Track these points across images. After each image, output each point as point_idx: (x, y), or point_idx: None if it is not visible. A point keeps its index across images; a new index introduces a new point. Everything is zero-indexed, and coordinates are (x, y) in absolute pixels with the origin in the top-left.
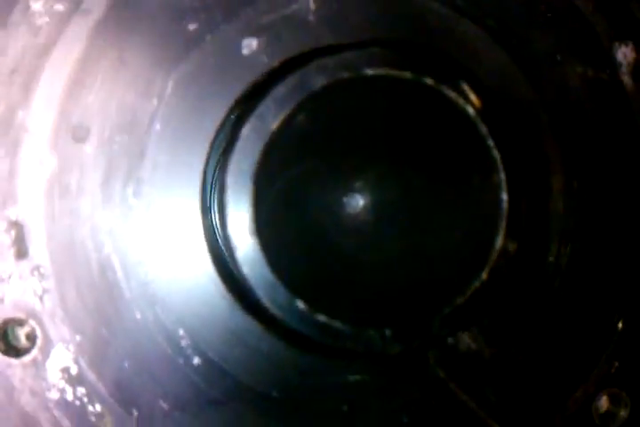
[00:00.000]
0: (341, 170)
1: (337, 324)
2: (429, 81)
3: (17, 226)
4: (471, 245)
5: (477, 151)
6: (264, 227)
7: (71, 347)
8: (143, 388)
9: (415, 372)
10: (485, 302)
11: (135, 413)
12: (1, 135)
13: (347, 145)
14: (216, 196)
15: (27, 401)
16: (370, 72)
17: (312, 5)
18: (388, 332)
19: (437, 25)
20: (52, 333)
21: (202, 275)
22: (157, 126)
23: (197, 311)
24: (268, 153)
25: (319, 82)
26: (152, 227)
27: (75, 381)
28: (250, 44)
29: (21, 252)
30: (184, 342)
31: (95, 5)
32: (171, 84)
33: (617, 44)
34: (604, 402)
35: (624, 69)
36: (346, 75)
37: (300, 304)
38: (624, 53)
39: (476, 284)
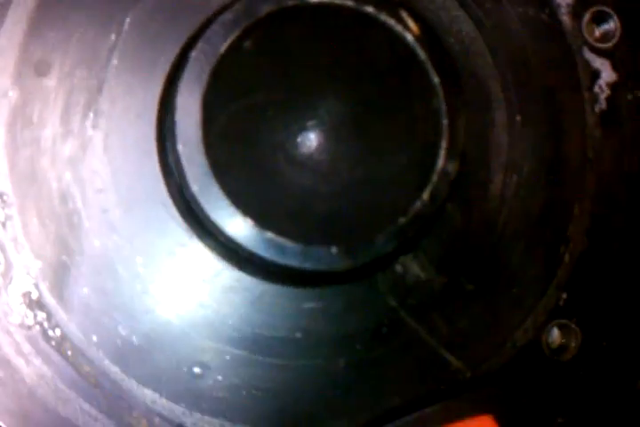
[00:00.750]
0: (292, 105)
1: (284, 241)
2: (370, 9)
3: None
4: (415, 168)
5: (418, 77)
6: (214, 148)
7: (32, 272)
8: (102, 314)
9: (367, 300)
10: (429, 223)
11: (94, 338)
12: None
13: (294, 75)
14: (167, 119)
15: None
16: (314, 0)
17: None
18: (334, 249)
19: None
20: (14, 258)
21: (157, 202)
22: (115, 61)
23: (153, 239)
24: (218, 76)
25: (264, 9)
26: (110, 157)
27: (35, 305)
28: None
29: None
30: (141, 270)
31: None
32: (128, 20)
33: None
34: (553, 333)
35: (563, 10)
36: (290, 2)
37: (249, 222)
38: None
39: (418, 204)
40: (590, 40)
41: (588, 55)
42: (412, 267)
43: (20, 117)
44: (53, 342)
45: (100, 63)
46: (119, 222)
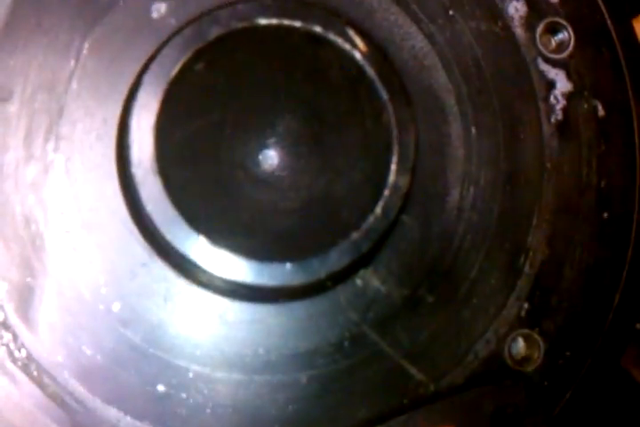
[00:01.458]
0: (248, 124)
1: (238, 258)
2: (318, 29)
3: None
4: (368, 183)
5: (367, 93)
6: (168, 168)
7: None
8: (67, 334)
9: (329, 314)
10: (385, 237)
11: (60, 358)
12: None
13: (249, 95)
14: (124, 141)
15: None
16: (262, 22)
17: None
18: (288, 265)
19: None
20: None
21: (118, 223)
22: (74, 85)
23: (115, 259)
24: (170, 97)
25: (214, 32)
26: (71, 179)
27: (1, 327)
28: (159, 8)
29: None
30: (104, 290)
31: None
32: (86, 45)
33: None
34: (516, 344)
35: (516, 23)
36: (240, 25)
37: (202, 240)
38: (515, 8)
39: (371, 219)
40: (544, 51)
41: (543, 66)
42: (372, 280)
43: None
44: (19, 363)
45: (60, 88)
46: (81, 243)
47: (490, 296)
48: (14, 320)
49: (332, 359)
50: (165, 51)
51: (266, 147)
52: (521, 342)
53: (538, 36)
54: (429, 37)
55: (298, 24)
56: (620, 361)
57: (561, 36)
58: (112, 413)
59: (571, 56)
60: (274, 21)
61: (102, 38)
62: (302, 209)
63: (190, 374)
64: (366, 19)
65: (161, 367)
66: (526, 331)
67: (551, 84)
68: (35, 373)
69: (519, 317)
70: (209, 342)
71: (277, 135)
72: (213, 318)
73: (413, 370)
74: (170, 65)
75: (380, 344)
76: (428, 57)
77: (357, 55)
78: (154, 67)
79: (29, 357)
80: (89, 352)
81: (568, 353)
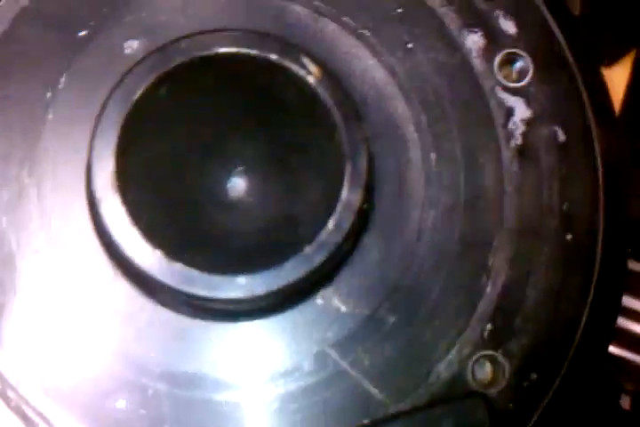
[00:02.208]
0: (217, 150)
1: (192, 271)
2: (274, 56)
3: None
4: (324, 202)
5: (322, 116)
6: (129, 186)
7: None
8: (33, 349)
9: (289, 334)
10: (342, 255)
11: (25, 374)
12: None
13: (214, 122)
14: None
15: None
16: (221, 50)
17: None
18: (241, 278)
19: (295, 22)
20: None
21: (85, 242)
22: (50, 115)
23: (81, 277)
24: (132, 121)
25: (175, 60)
26: (43, 201)
27: None
28: (131, 45)
29: None
30: (71, 307)
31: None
32: (63, 79)
33: (466, 32)
34: (479, 366)
35: (474, 54)
36: (199, 53)
37: (158, 253)
38: (473, 40)
39: (323, 234)
40: (503, 80)
41: (502, 94)
42: (333, 300)
43: None
44: None
45: (36, 118)
46: (50, 262)
47: (451, 317)
48: None
49: (293, 379)
50: (128, 78)
51: (234, 174)
52: (484, 364)
53: (496, 66)
54: (389, 69)
55: (254, 52)
56: (589, 383)
57: (519, 65)
58: None
59: (529, 84)
60: (232, 50)
61: (78, 72)
62: (262, 228)
63: (150, 391)
64: (328, 52)
65: (122, 384)
66: (490, 352)
67: (510, 112)
68: None
69: (482, 338)
70: (169, 359)
71: (245, 163)
72: (175, 337)
73: (374, 391)
74: (131, 91)
75: (341, 364)
76: (388, 88)
77: (311, 80)
78: (117, 93)
79: (3, 381)
80: (53, 368)
81: (534, 375)
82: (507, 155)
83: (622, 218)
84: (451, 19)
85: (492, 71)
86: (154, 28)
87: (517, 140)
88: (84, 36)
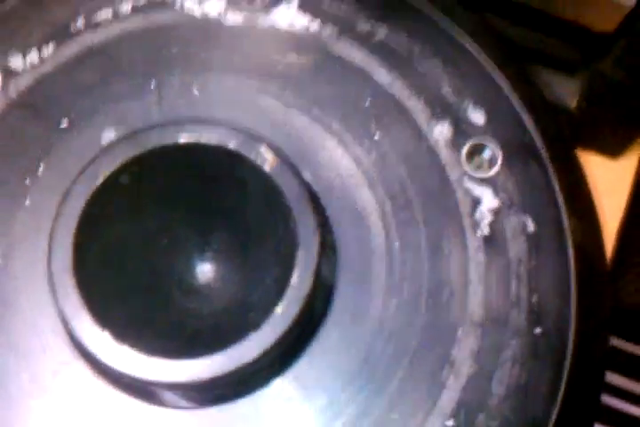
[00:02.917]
0: (183, 237)
1: (141, 354)
2: (232, 145)
3: None
4: (276, 287)
5: (278, 203)
6: (86, 269)
7: None
8: None
9: (249, 421)
10: (286, 342)
11: None
12: None
13: (178, 210)
14: None
15: None
16: (182, 140)
17: (159, 103)
18: (190, 362)
19: (264, 113)
20: None
21: (45, 321)
22: (28, 201)
23: (40, 357)
24: (93, 207)
25: (136, 150)
26: (12, 282)
27: None
28: (108, 136)
29: None
30: (27, 387)
31: None
32: (41, 168)
33: (434, 123)
34: None
35: (441, 144)
36: (160, 143)
37: (107, 335)
38: (440, 131)
39: (271, 319)
40: (469, 170)
41: (469, 184)
42: (288, 389)
43: None
44: None
45: (14, 204)
46: (11, 341)
47: (411, 411)
48: None
49: None
50: (91, 167)
51: (202, 261)
52: None
53: (463, 156)
54: (355, 159)
55: (214, 142)
56: None
57: (487, 155)
58: None
59: (497, 174)
60: (192, 139)
61: (55, 161)
62: (219, 314)
63: None
64: (294, 141)
65: None
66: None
67: (477, 201)
68: None
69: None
70: None
71: (213, 250)
72: (128, 422)
73: None
74: (93, 178)
75: None
76: (354, 176)
77: (267, 168)
78: (80, 179)
79: None
80: None
81: None
82: (473, 244)
83: (596, 311)
84: (419, 110)
85: (459, 161)
86: (130, 119)
87: (484, 229)
88: (64, 127)
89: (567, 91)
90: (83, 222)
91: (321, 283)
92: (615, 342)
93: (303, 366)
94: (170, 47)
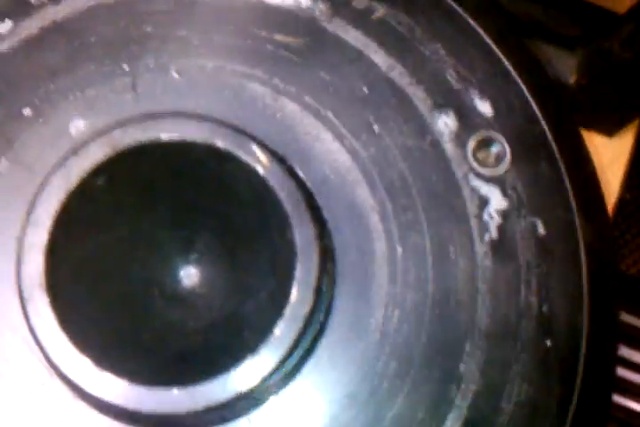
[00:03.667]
0: (166, 240)
1: (123, 382)
2: (220, 143)
3: None
4: (272, 303)
5: (273, 208)
6: (60, 283)
7: None
8: None
9: None
10: (283, 365)
11: None
12: None
13: (161, 211)
14: None
15: None
16: (165, 137)
17: (134, 88)
18: (175, 391)
19: (252, 101)
20: None
21: (20, 341)
22: None
23: (16, 377)
24: (66, 213)
25: (114, 148)
26: None
27: None
28: (77, 125)
29: None
30: (4, 406)
31: None
32: (1, 163)
33: (437, 113)
34: None
35: (446, 138)
36: (141, 140)
37: (86, 361)
38: (445, 122)
39: (269, 342)
40: (476, 167)
41: (475, 182)
42: (284, 409)
43: None
44: None
45: None
46: None
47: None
48: None
49: None
50: (62, 169)
51: (187, 264)
52: None
53: (470, 151)
54: (352, 153)
55: (200, 139)
56: None
57: (495, 150)
58: None
59: (506, 171)
60: (175, 136)
61: (19, 155)
62: (208, 329)
63: None
64: (286, 133)
65: None
66: None
67: (484, 201)
68: None
69: None
70: None
71: (197, 252)
72: None
73: None
74: (66, 182)
75: None
76: (351, 173)
77: (260, 170)
78: (50, 182)
79: None
80: None
81: None
82: (480, 249)
83: (609, 321)
84: (421, 99)
85: (464, 156)
86: (102, 107)
87: (492, 233)
88: (28, 115)
89: (566, 66)
90: (54, 232)
91: (320, 296)
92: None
93: (300, 384)
94: (144, 24)
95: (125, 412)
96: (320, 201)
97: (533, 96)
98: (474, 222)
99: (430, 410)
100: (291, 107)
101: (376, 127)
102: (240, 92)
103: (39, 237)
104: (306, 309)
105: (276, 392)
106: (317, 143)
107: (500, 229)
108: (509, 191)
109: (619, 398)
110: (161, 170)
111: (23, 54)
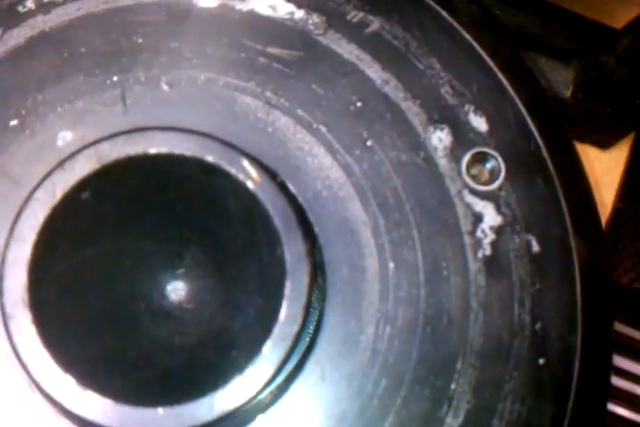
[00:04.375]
0: (153, 254)
1: (106, 401)
2: (210, 158)
3: None
4: (261, 321)
5: (262, 225)
6: (44, 299)
7: None
8: None
9: None
10: (271, 384)
11: None
12: None
13: (149, 225)
14: None
15: None
16: (153, 151)
17: (123, 100)
18: (160, 410)
19: (244, 114)
20: None
21: (2, 357)
22: None
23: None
24: (51, 227)
25: (100, 161)
26: None
27: None
28: (65, 137)
29: None
30: None
31: None
32: None
33: (431, 128)
34: None
35: (440, 153)
36: (128, 154)
37: (69, 379)
38: (439, 138)
39: (257, 361)
40: (471, 183)
41: (469, 198)
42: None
43: None
44: None
45: None
46: None
47: None
48: None
49: None
50: (46, 182)
51: (174, 278)
52: None
53: (464, 166)
54: (345, 168)
55: (189, 153)
56: None
57: (490, 166)
58: None
59: (500, 188)
60: (163, 150)
61: (5, 166)
62: (195, 347)
63: None
64: (278, 148)
65: None
66: None
67: (478, 218)
68: None
69: None
70: None
71: (185, 266)
72: None
73: None
74: (51, 196)
75: None
76: (344, 188)
77: (251, 185)
78: (34, 196)
79: None
80: None
81: None
82: (473, 266)
83: (603, 340)
84: (415, 114)
85: (459, 172)
86: (90, 119)
87: (486, 249)
88: (14, 127)
89: (562, 79)
90: (38, 247)
91: (310, 314)
92: None
93: (289, 402)
94: (134, 34)
95: None
96: (312, 216)
97: (529, 112)
98: (467, 239)
99: None
100: (283, 120)
101: (370, 142)
102: (232, 105)
103: (22, 253)
104: (295, 328)
105: (263, 411)
106: (310, 158)
107: (494, 245)
108: (503, 208)
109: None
110: (149, 184)
111: (11, 64)
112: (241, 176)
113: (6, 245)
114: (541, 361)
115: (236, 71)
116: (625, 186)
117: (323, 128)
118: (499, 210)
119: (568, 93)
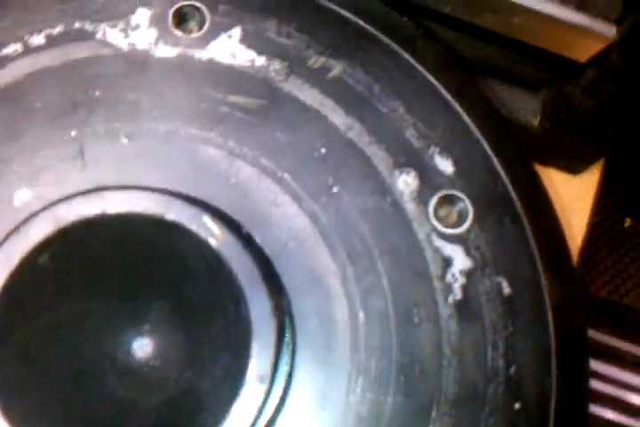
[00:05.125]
0: (117, 313)
1: None
2: (170, 216)
3: None
4: (228, 381)
5: (226, 281)
6: (2, 368)
7: None
8: None
9: None
10: None
11: None
12: None
13: (111, 285)
14: None
15: None
16: (111, 210)
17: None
18: None
19: (207, 165)
20: None
21: None
22: None
23: None
24: (8, 293)
25: (57, 223)
26: None
27: None
28: (22, 196)
29: None
30: None
31: None
32: None
33: (397, 173)
34: None
35: (406, 198)
36: (85, 215)
37: None
38: (405, 182)
39: (224, 423)
40: (439, 226)
41: (438, 242)
42: None
43: None
44: None
45: None
46: None
47: None
48: None
49: None
50: (3, 248)
51: (139, 335)
52: None
53: (431, 210)
54: (311, 217)
55: (149, 212)
56: None
57: (457, 208)
58: None
59: (469, 230)
60: (122, 210)
61: None
62: (162, 408)
63: None
64: (242, 199)
65: None
66: None
67: (448, 262)
68: None
69: None
70: None
71: (150, 322)
72: None
73: None
74: (7, 262)
75: None
76: (311, 237)
77: (213, 242)
78: (4, 248)
79: None
80: None
81: None
82: (444, 312)
83: (579, 382)
84: (380, 158)
85: (427, 216)
86: (48, 176)
87: (456, 294)
88: None
89: (529, 108)
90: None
91: (279, 371)
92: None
93: None
94: (92, 87)
95: None
96: (278, 268)
97: (495, 152)
98: (437, 284)
99: None
100: (247, 170)
101: (335, 189)
102: (194, 156)
103: None
104: (263, 388)
105: None
106: (275, 208)
107: (465, 289)
108: (473, 251)
109: None
110: (109, 244)
111: None
112: (202, 233)
113: None
114: (517, 406)
115: (197, 122)
116: (600, 200)
117: (287, 176)
118: (468, 253)
119: (536, 122)
